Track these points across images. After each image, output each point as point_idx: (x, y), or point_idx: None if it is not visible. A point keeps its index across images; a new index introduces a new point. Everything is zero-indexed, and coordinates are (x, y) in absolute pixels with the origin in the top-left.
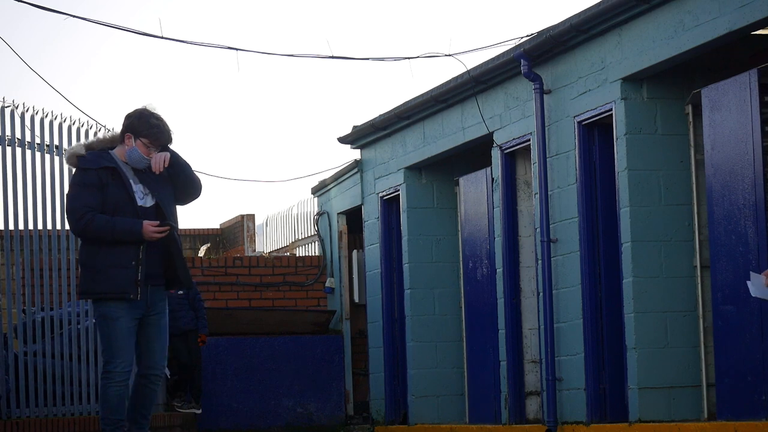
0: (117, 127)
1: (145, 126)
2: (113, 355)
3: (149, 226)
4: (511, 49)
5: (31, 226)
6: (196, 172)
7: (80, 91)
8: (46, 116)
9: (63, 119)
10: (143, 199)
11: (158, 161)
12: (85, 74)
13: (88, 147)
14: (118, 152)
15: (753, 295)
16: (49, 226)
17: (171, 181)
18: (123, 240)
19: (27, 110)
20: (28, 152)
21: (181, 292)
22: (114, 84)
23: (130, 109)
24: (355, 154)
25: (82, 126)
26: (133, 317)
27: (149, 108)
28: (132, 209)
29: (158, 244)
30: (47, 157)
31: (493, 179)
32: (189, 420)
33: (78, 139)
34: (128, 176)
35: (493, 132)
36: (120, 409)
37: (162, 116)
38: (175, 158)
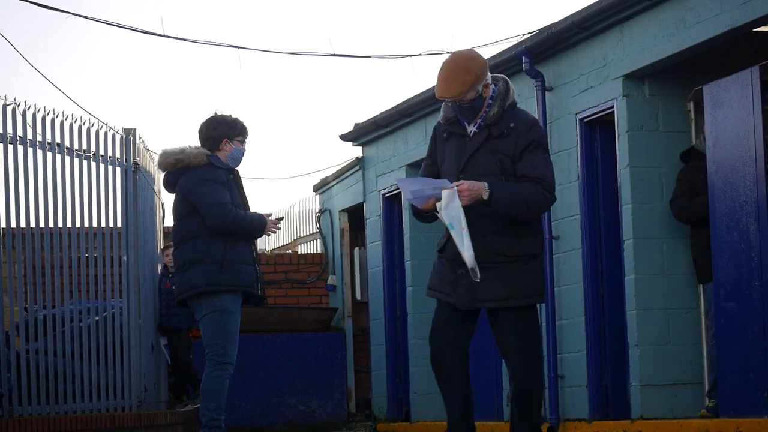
0: (119, 125)
1: (235, 127)
2: (230, 347)
3: (269, 222)
4: (512, 46)
5: (32, 224)
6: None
7: (81, 89)
8: (48, 114)
9: (65, 117)
10: None
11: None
12: (86, 72)
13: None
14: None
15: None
16: (51, 224)
17: None
18: (256, 234)
19: (29, 108)
20: (30, 150)
21: None
22: (116, 82)
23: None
24: (357, 151)
25: (84, 124)
26: (240, 313)
27: (221, 112)
28: (245, 209)
29: None
30: (49, 154)
31: None
32: (191, 418)
33: (80, 136)
34: None
35: None
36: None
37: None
38: None
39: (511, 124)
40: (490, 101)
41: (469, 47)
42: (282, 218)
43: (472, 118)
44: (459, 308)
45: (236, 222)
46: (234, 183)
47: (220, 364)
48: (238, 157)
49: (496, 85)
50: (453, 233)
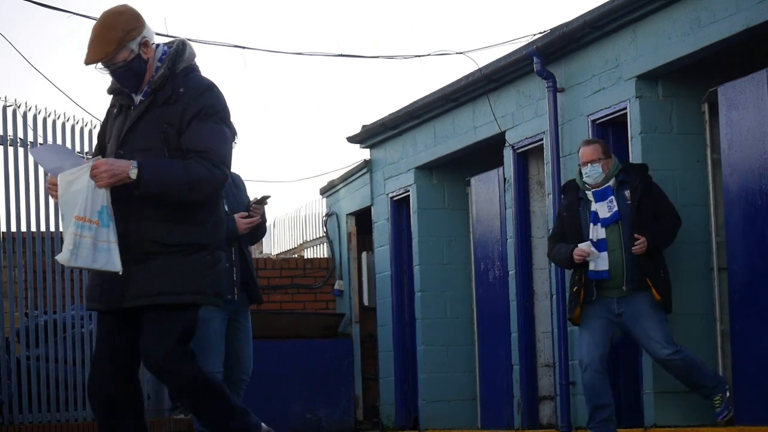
0: None
1: None
2: (206, 355)
3: (239, 219)
4: (523, 46)
5: (33, 228)
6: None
7: (83, 90)
8: (49, 116)
9: (66, 119)
10: (224, 204)
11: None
12: (88, 73)
13: None
14: None
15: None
16: (52, 228)
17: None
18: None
19: (29, 110)
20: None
21: None
22: None
23: None
24: (365, 153)
25: (86, 126)
26: (223, 320)
27: None
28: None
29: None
30: None
31: (505, 179)
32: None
33: (81, 139)
34: None
35: (505, 131)
36: None
37: None
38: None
39: (181, 90)
40: (159, 63)
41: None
42: (265, 197)
43: (136, 86)
44: (108, 308)
45: None
46: None
47: None
48: None
49: (170, 47)
50: (63, 224)
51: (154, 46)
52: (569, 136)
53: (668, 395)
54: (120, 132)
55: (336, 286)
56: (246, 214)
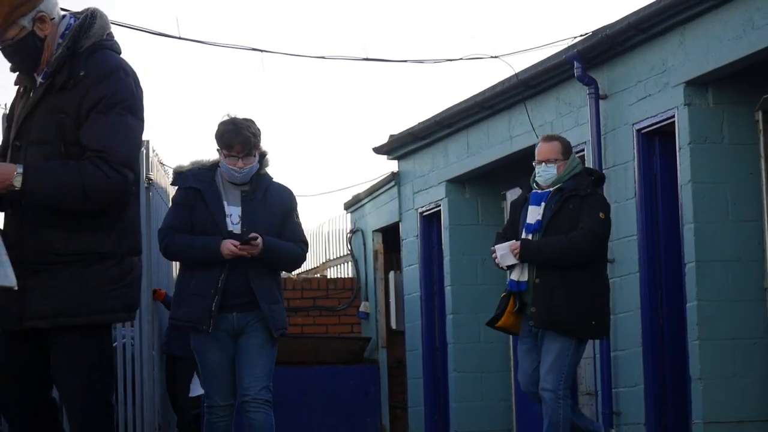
0: None
1: (218, 137)
2: (208, 387)
3: (227, 244)
4: (563, 50)
5: None
6: (294, 254)
7: None
8: None
9: None
10: (237, 224)
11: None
12: None
13: (195, 163)
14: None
15: None
16: None
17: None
18: (203, 259)
19: None
20: None
21: None
22: None
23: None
24: (392, 165)
25: None
26: (219, 349)
27: (225, 116)
28: (217, 233)
29: (243, 270)
30: None
31: None
32: None
33: None
34: (221, 197)
35: None
36: None
37: (238, 119)
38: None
39: (82, 73)
40: (60, 40)
41: None
42: (250, 238)
43: (31, 66)
44: (4, 330)
45: (168, 250)
46: (201, 205)
47: (206, 407)
48: (227, 173)
49: (77, 19)
50: None
51: (54, 21)
52: (612, 147)
53: (719, 425)
54: (18, 119)
55: (361, 308)
56: (236, 242)
